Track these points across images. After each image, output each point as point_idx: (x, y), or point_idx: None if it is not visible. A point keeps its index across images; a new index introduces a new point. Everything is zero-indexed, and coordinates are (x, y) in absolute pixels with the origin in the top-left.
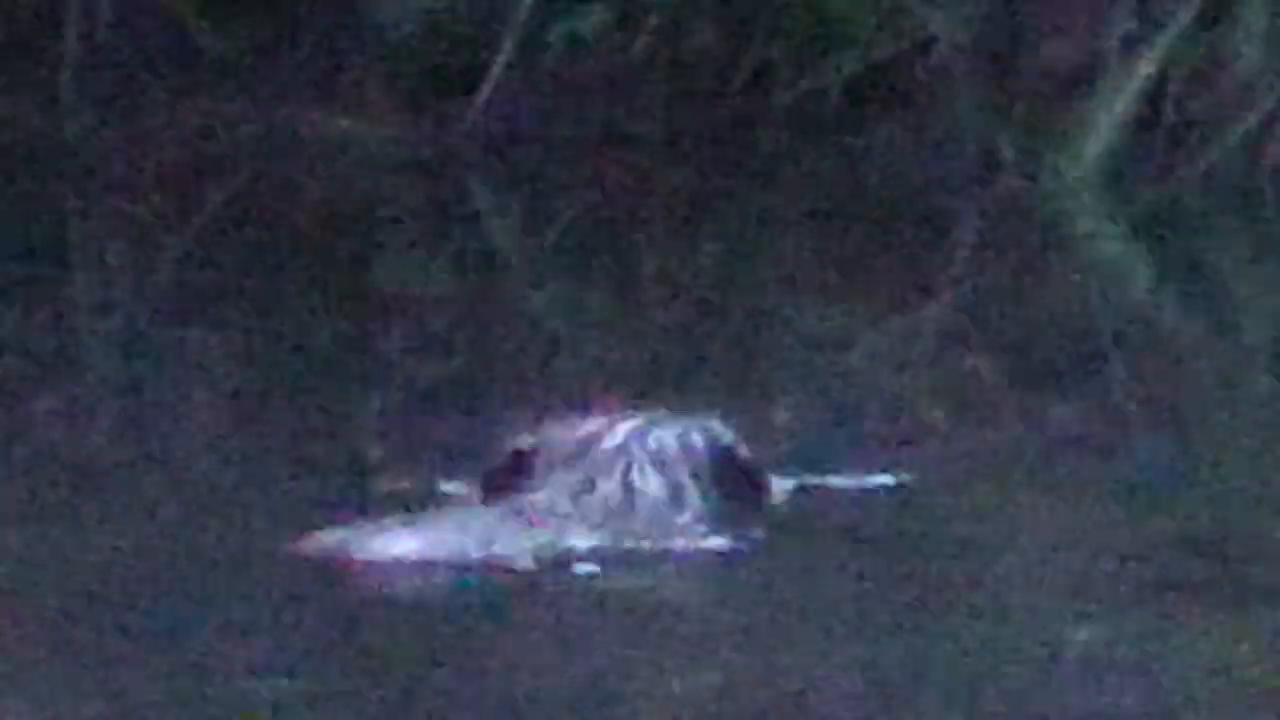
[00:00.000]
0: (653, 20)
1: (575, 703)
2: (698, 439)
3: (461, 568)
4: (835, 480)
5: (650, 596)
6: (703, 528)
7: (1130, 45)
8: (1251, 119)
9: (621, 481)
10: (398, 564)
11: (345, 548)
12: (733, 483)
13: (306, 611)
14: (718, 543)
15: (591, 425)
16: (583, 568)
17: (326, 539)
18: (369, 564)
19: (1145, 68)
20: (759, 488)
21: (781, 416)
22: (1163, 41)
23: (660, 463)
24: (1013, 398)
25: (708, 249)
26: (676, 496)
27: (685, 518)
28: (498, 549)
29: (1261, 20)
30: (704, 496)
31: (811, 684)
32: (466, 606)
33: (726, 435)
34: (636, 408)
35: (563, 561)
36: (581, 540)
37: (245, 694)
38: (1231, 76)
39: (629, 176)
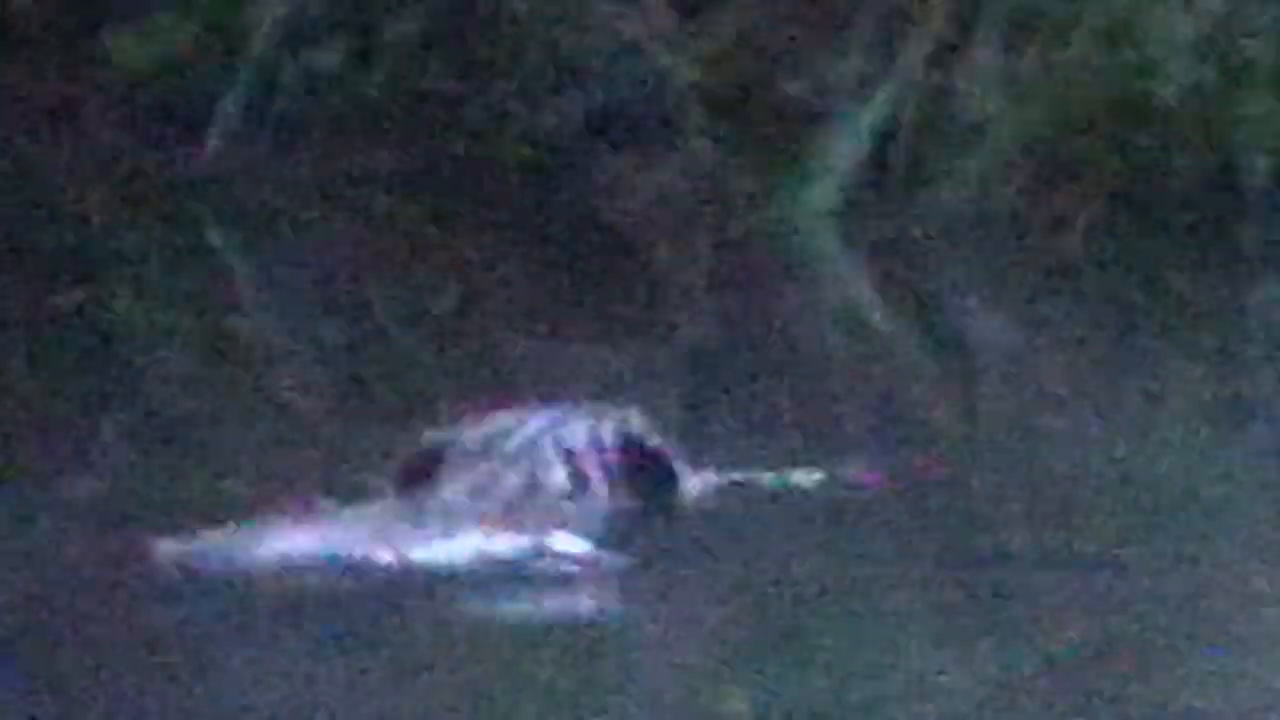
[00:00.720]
0: (389, 58)
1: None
2: (607, 433)
3: (353, 566)
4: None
5: (531, 600)
6: (606, 521)
7: (864, 83)
8: (982, 157)
9: (527, 476)
10: (285, 564)
11: (233, 549)
12: (643, 476)
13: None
14: (618, 537)
15: (500, 421)
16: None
17: (210, 540)
18: (258, 564)
19: (878, 106)
20: (670, 481)
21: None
22: (895, 80)
23: (567, 456)
24: (744, 435)
25: (442, 285)
26: (582, 490)
27: (590, 511)
28: (393, 547)
29: (992, 59)
30: (611, 490)
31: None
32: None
33: (637, 429)
34: (548, 403)
35: (455, 559)
36: (475, 538)
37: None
38: (962, 115)
39: (363, 213)
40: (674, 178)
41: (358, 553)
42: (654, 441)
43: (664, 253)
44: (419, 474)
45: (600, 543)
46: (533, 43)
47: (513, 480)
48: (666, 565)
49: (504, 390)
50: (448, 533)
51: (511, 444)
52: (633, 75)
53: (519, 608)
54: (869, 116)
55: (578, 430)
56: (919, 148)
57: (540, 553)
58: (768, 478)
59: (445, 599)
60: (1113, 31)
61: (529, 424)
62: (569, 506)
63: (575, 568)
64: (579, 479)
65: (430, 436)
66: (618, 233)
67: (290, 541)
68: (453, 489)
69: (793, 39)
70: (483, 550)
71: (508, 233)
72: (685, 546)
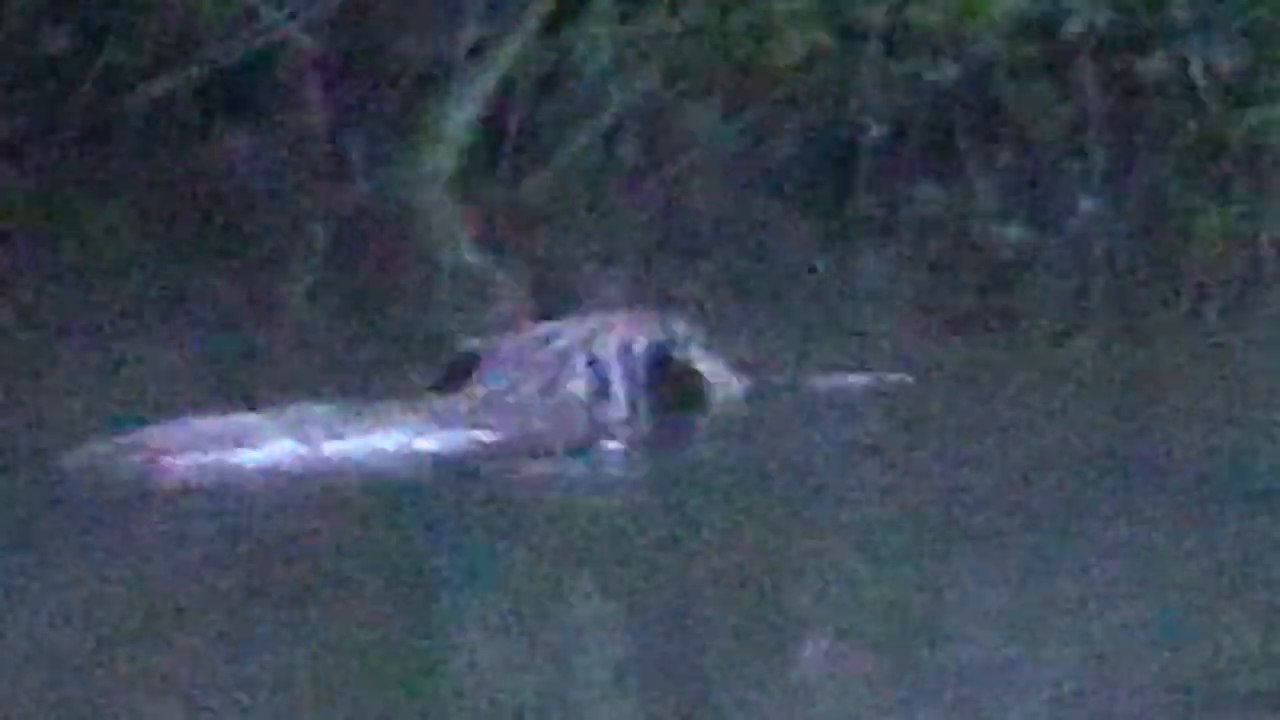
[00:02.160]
0: (1, 22)
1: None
2: (639, 343)
3: (389, 459)
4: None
5: (549, 499)
6: (632, 429)
7: (478, 49)
8: (598, 124)
9: (556, 383)
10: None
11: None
12: (672, 386)
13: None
14: (643, 445)
15: (539, 330)
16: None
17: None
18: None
19: (493, 71)
20: (698, 392)
21: None
22: (510, 45)
23: (598, 365)
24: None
25: (60, 253)
26: (609, 398)
27: (618, 419)
28: (425, 443)
29: (605, 27)
30: (639, 399)
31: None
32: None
33: (669, 339)
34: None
35: (483, 458)
36: (504, 438)
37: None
38: (578, 82)
39: None
40: (287, 145)
41: (404, 447)
42: (684, 352)
43: (278, 221)
44: (458, 376)
45: (627, 448)
46: (148, 6)
47: (541, 387)
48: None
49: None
50: (484, 431)
51: (544, 352)
52: (247, 41)
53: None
54: (484, 81)
55: (609, 340)
56: (535, 113)
57: (571, 451)
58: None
59: (478, 491)
60: None
61: (563, 333)
62: (598, 412)
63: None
64: (608, 386)
65: (469, 342)
66: (232, 201)
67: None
68: (489, 392)
69: (407, 4)
70: (513, 448)
71: (121, 200)
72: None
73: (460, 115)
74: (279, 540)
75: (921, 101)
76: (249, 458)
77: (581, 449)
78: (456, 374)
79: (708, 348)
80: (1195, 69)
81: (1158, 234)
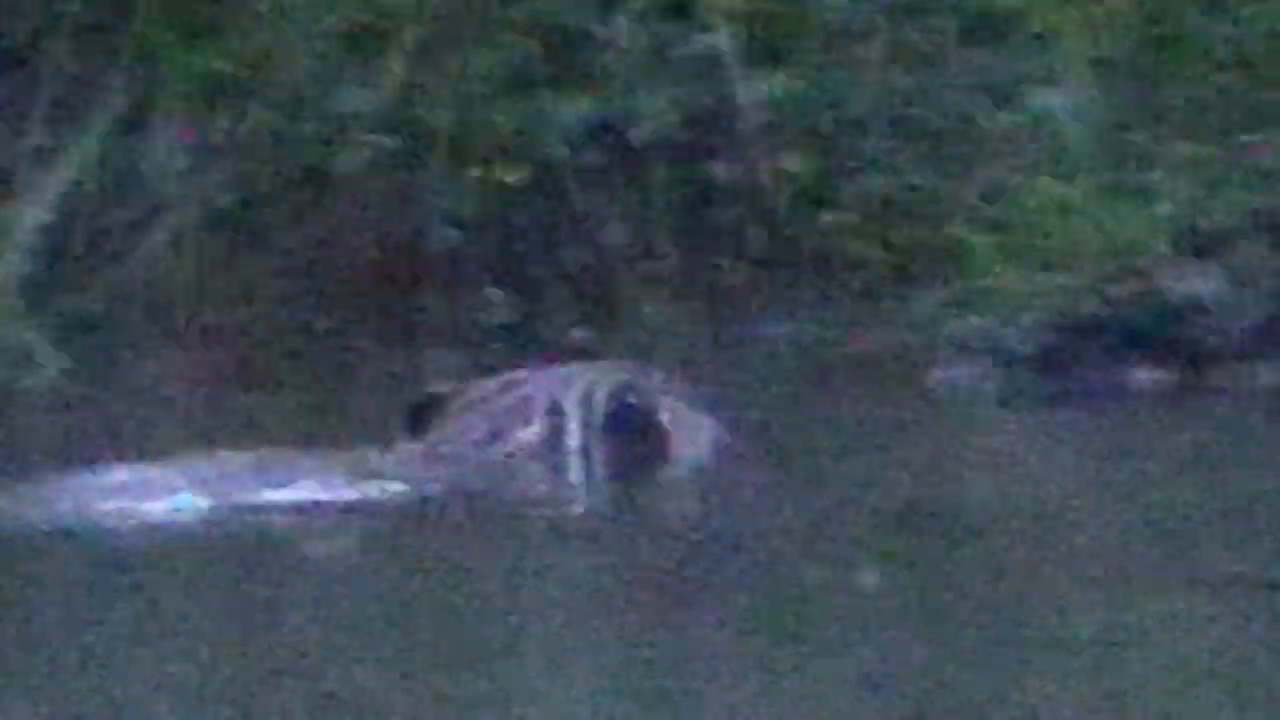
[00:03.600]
0: None
1: None
2: (601, 391)
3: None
4: None
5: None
6: (585, 480)
7: (44, 154)
8: (165, 227)
9: (522, 427)
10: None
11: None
12: (634, 436)
13: None
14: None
15: (503, 376)
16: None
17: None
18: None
19: (61, 177)
20: (661, 442)
21: None
22: (78, 151)
23: (560, 411)
24: None
25: None
26: (563, 446)
27: (575, 468)
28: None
29: (174, 129)
30: (599, 448)
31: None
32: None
33: (635, 389)
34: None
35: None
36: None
37: None
38: (147, 185)
39: None
40: None
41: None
42: (647, 401)
43: None
44: (422, 421)
45: (584, 493)
46: None
47: (507, 431)
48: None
49: None
50: (444, 475)
51: (509, 398)
52: None
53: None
54: (52, 187)
55: (573, 387)
56: (102, 219)
57: (528, 499)
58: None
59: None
60: (294, 102)
61: (529, 380)
62: (559, 458)
63: (557, 512)
64: (570, 433)
65: (433, 387)
66: None
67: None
68: (451, 436)
69: None
70: (470, 491)
71: None
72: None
73: (28, 220)
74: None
75: (492, 205)
76: (151, 508)
77: (530, 500)
78: (416, 419)
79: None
80: (764, 172)
81: (722, 338)
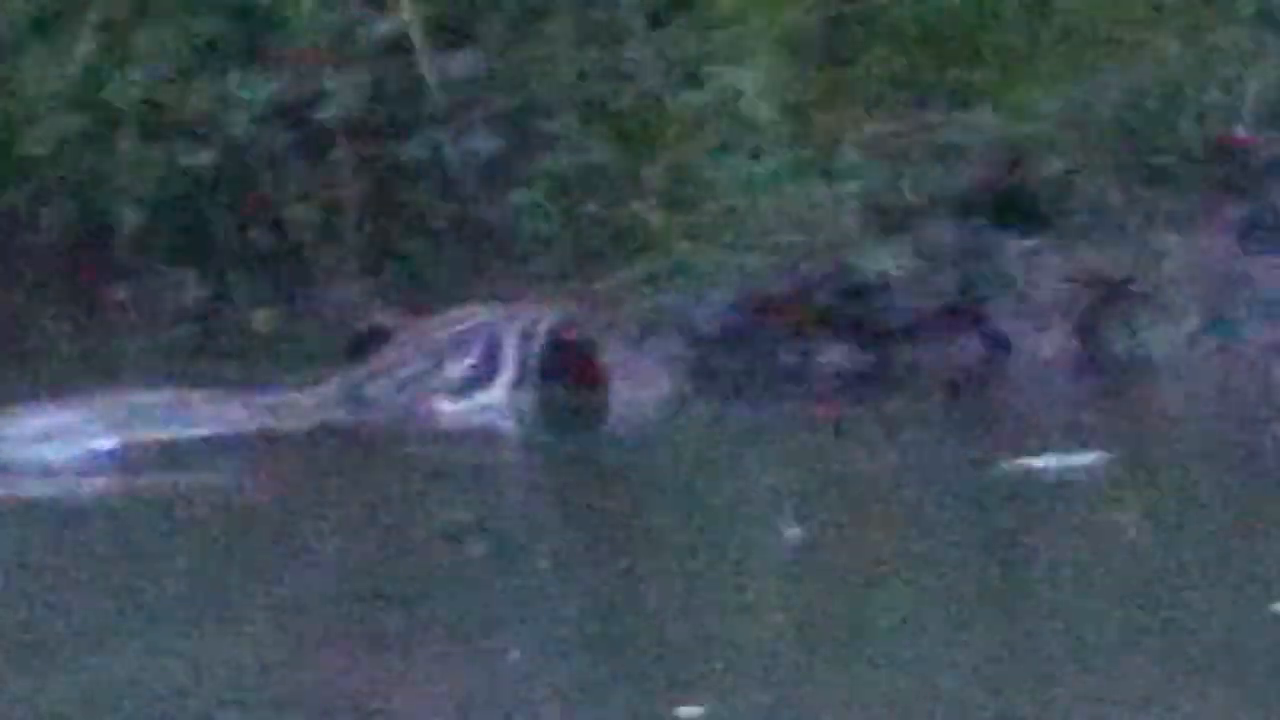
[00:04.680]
0: None
1: None
2: (541, 328)
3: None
4: None
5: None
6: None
7: None
8: None
9: (461, 363)
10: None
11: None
12: (569, 373)
13: None
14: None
15: (456, 310)
16: None
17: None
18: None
19: None
20: (594, 380)
21: None
22: None
23: (498, 347)
24: None
25: None
26: (493, 380)
27: (505, 403)
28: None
29: None
30: (529, 383)
31: None
32: None
33: (578, 327)
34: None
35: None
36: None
37: None
38: None
39: None
40: None
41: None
42: (584, 339)
43: None
44: (360, 352)
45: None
46: None
47: (443, 363)
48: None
49: None
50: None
51: (449, 331)
52: None
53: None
54: None
55: (516, 322)
56: None
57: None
58: None
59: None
60: None
61: (474, 314)
62: (491, 392)
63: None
64: (505, 367)
65: (375, 320)
66: None
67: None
68: (388, 368)
69: None
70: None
71: None
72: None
73: None
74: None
75: (178, 187)
76: (63, 450)
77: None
78: (357, 349)
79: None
80: (452, 152)
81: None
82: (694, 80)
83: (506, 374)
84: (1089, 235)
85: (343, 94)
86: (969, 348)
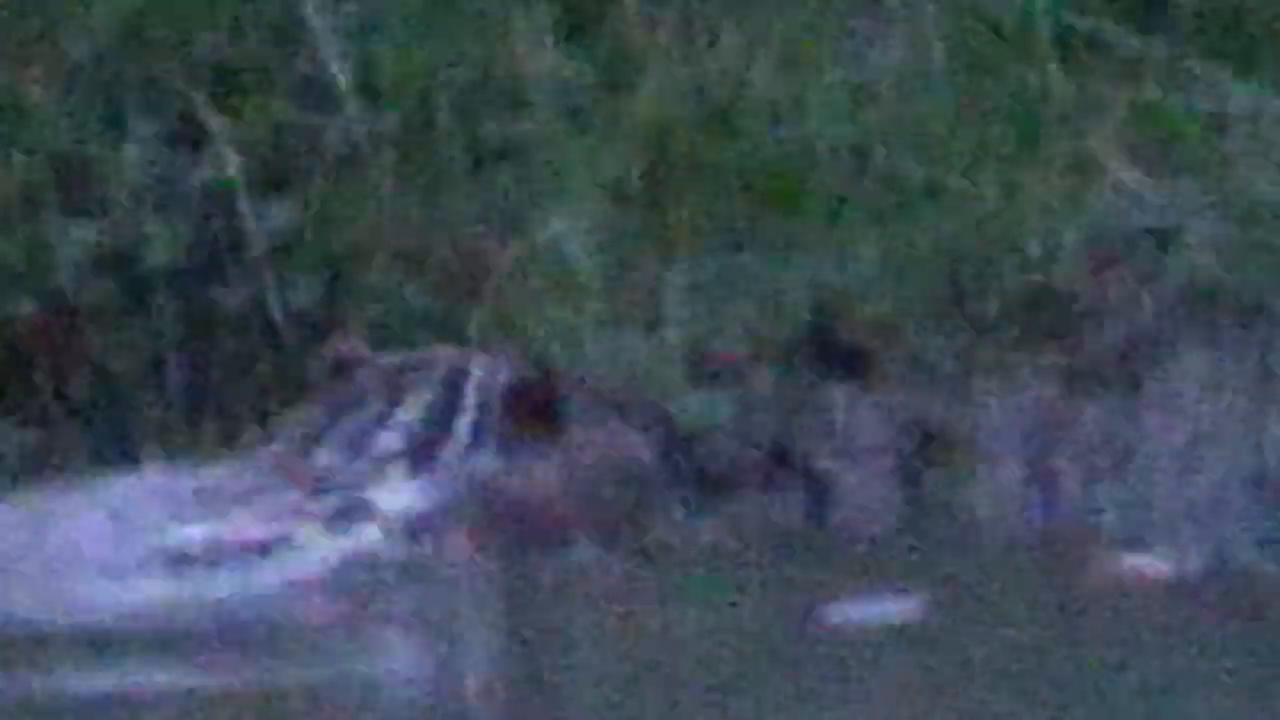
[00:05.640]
0: None
1: None
2: (501, 373)
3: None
4: None
5: None
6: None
7: None
8: None
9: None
10: None
11: None
12: (527, 416)
13: None
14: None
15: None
16: None
17: None
18: None
19: None
20: (552, 423)
21: None
22: None
23: (441, 394)
24: None
25: None
26: (448, 429)
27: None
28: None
29: None
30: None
31: None
32: None
33: (528, 370)
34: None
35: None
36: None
37: None
38: None
39: None
40: None
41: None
42: (549, 391)
43: None
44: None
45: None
46: None
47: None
48: None
49: None
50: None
51: (411, 374)
52: None
53: None
54: None
55: (477, 367)
56: None
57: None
58: None
59: None
60: None
61: (438, 359)
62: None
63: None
64: (462, 411)
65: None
66: None
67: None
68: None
69: None
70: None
71: None
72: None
73: None
74: None
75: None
76: None
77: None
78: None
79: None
80: (273, 299)
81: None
82: (515, 229)
83: (465, 415)
84: (909, 382)
85: (163, 241)
86: (790, 495)
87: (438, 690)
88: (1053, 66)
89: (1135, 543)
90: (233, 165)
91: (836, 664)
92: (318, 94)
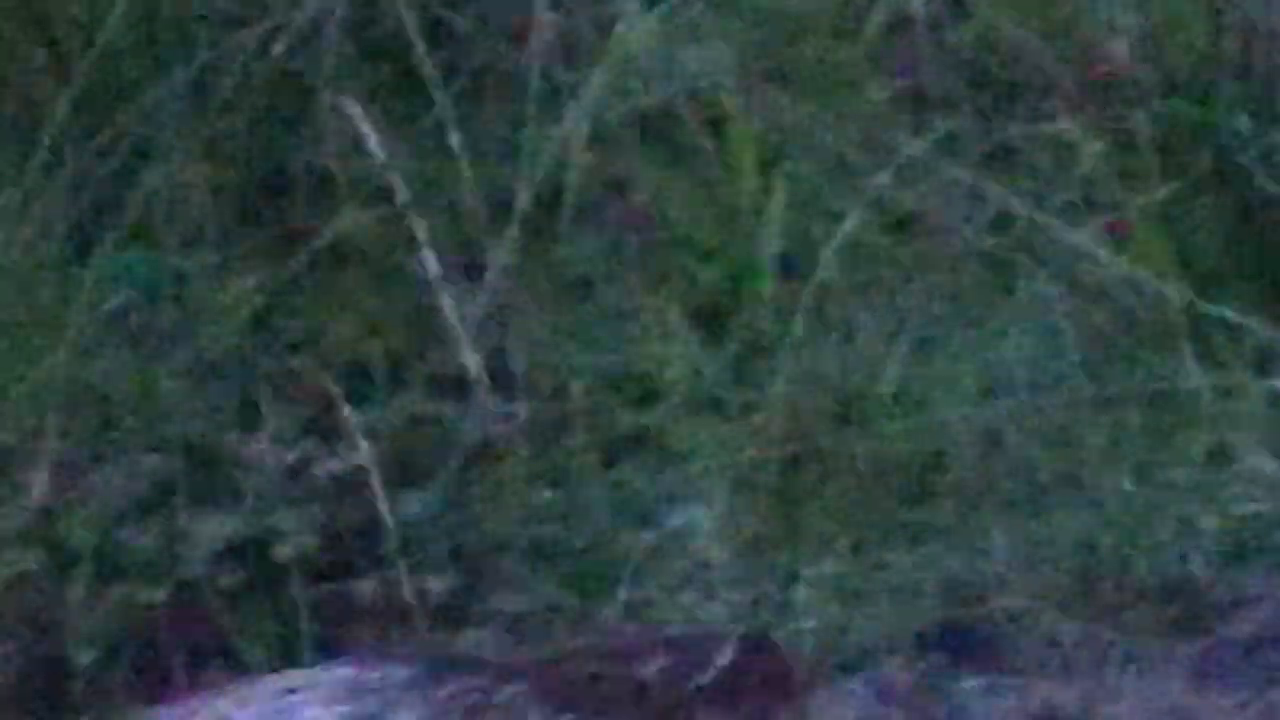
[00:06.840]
0: None
1: None
2: None
3: None
4: None
5: None
6: None
7: None
8: None
9: None
10: None
11: None
12: None
13: None
14: None
15: None
16: None
17: None
18: None
19: None
20: None
21: None
22: None
23: None
24: None
25: None
26: None
27: None
28: None
29: None
30: None
31: None
32: None
33: None
34: None
35: None
36: None
37: None
38: None
39: None
40: None
41: None
42: None
43: None
44: None
45: None
46: None
47: None
48: None
49: None
50: None
51: None
52: None
53: None
54: None
55: None
56: None
57: None
58: None
59: None
60: None
61: None
62: None
63: None
64: None
65: None
66: None
67: None
68: None
69: None
70: None
71: None
72: None
73: None
74: None
75: (133, 624)
76: None
77: None
78: None
79: None
80: (407, 590)
81: None
82: (647, 520)
83: None
84: (1042, 672)
85: (296, 532)
86: None
87: None
88: (1186, 354)
89: None
90: (367, 455)
91: None
92: (451, 385)
